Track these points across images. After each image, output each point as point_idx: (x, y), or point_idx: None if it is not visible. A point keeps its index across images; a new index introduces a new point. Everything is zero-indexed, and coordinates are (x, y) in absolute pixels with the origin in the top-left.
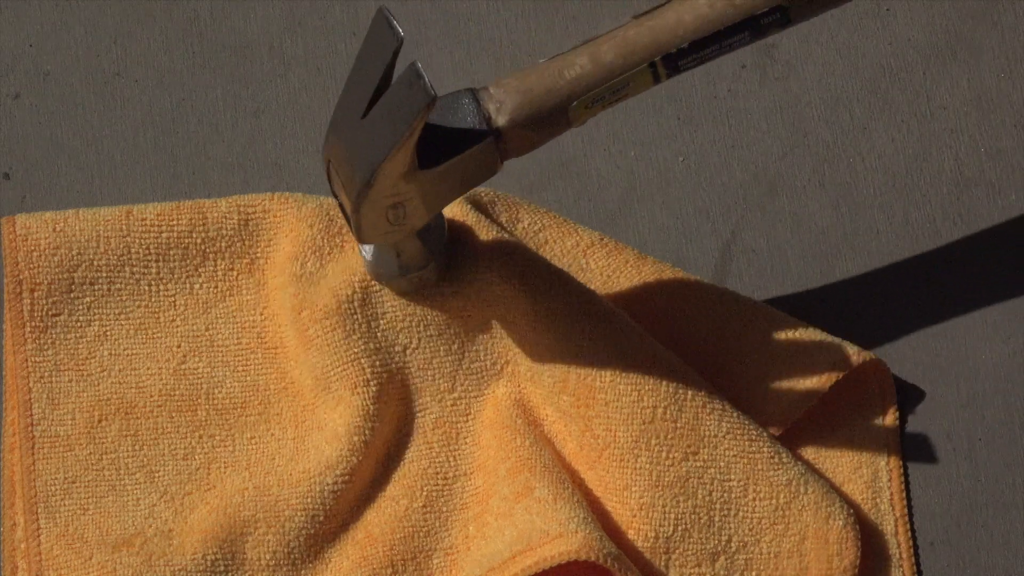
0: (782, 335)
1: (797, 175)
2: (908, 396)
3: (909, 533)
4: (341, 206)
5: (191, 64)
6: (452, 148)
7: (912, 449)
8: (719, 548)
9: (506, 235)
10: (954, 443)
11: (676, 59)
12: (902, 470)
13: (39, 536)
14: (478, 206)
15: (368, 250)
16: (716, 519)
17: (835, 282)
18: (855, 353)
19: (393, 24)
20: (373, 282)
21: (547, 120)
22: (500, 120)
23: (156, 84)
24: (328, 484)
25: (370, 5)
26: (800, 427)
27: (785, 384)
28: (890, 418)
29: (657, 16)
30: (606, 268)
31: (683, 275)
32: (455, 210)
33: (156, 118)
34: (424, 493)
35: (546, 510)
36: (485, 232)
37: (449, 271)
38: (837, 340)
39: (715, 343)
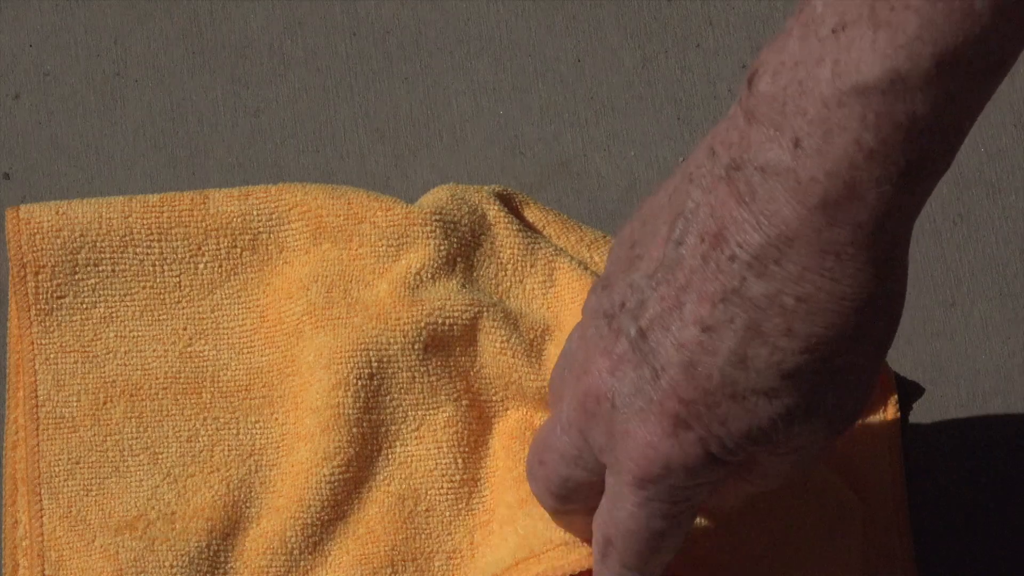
0: None
1: None
2: (908, 396)
3: (910, 533)
4: None
5: (191, 64)
6: None
7: (912, 449)
8: None
9: (531, 235)
10: (954, 443)
11: None
12: (904, 470)
13: (42, 517)
14: (502, 199)
15: None
16: None
17: None
18: None
19: None
20: (404, 276)
21: None
22: None
23: (156, 84)
24: (325, 475)
25: (370, 5)
26: None
27: None
28: (891, 418)
29: None
30: None
31: None
32: (480, 202)
33: (156, 118)
34: (429, 496)
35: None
36: (508, 230)
37: (473, 270)
38: None
39: None
